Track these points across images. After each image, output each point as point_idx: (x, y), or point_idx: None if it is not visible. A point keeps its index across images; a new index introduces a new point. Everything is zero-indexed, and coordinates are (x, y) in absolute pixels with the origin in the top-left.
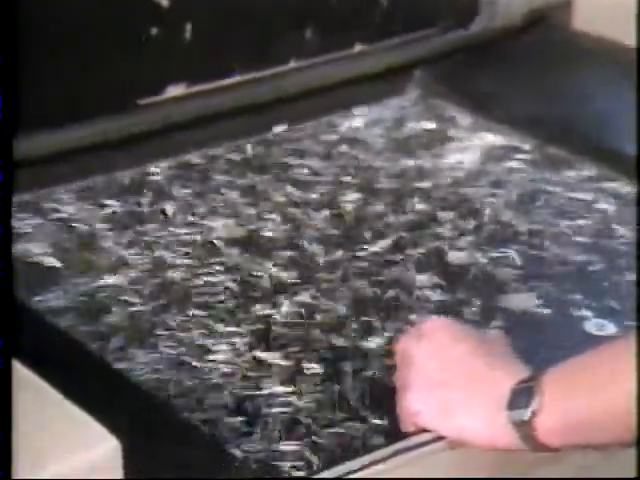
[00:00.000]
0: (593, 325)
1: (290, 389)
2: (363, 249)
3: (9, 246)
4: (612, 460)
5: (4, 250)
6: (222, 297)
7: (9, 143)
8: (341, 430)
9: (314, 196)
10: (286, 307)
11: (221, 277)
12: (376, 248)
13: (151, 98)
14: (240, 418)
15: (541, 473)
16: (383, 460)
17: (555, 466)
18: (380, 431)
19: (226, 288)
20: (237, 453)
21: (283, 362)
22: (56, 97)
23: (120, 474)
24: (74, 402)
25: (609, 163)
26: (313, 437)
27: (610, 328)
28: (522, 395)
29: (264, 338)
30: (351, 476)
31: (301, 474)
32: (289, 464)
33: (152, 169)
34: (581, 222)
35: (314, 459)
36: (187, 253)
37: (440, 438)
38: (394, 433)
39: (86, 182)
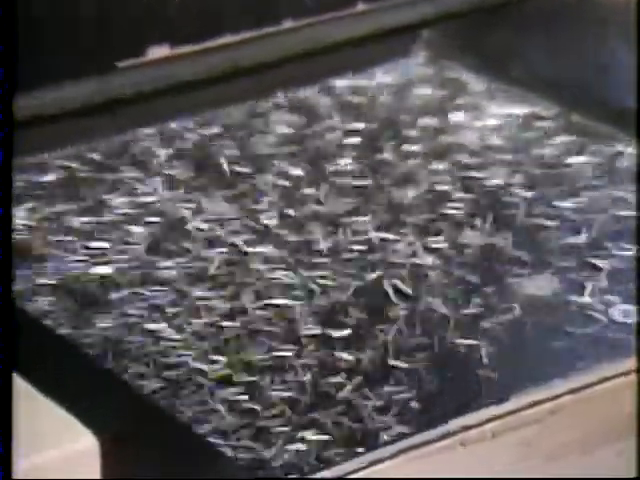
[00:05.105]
0: (619, 312)
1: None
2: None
3: (9, 232)
4: (612, 460)
5: (4, 235)
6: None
7: None
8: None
9: (311, 167)
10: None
11: (210, 252)
12: (378, 222)
13: (131, 60)
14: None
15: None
16: (383, 460)
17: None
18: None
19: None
20: (227, 451)
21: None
22: (27, 57)
23: (97, 472)
24: (50, 396)
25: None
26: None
27: (636, 315)
28: None
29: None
30: (351, 476)
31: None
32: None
33: (133, 136)
34: (608, 196)
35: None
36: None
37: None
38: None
39: (63, 150)
